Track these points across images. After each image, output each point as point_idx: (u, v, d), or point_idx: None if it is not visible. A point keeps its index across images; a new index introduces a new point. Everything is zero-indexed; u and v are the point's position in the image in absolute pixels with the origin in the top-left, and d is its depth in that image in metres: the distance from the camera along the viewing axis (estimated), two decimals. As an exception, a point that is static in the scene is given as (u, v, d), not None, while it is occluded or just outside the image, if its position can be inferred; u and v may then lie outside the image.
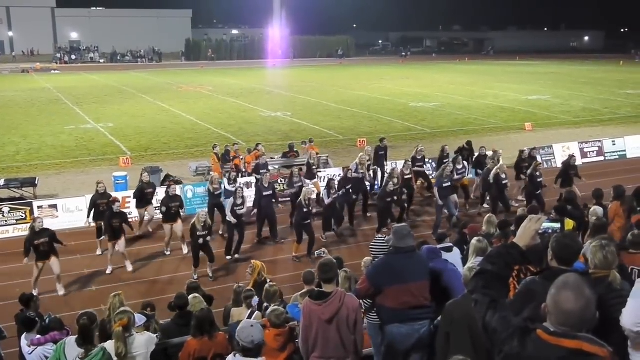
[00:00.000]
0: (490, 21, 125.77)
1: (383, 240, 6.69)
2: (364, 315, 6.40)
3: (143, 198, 14.92)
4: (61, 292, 11.77)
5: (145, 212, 15.08)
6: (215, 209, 14.76)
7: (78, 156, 23.18)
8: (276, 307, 6.50)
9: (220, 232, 14.79)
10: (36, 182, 17.30)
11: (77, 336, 5.89)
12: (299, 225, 13.44)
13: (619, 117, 32.62)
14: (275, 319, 5.95)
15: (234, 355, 5.12)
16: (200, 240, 12.26)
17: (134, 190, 15.29)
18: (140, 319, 6.30)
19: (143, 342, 5.87)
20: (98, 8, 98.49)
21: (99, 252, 13.76)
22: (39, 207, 15.30)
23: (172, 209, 13.83)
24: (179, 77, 58.16)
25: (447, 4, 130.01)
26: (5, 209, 15.04)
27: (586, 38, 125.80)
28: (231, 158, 18.31)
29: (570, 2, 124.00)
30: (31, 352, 6.80)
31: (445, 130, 28.47)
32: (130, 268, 12.86)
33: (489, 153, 17.66)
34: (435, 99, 39.59)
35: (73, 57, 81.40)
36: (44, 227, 11.76)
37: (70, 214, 15.36)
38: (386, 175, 16.67)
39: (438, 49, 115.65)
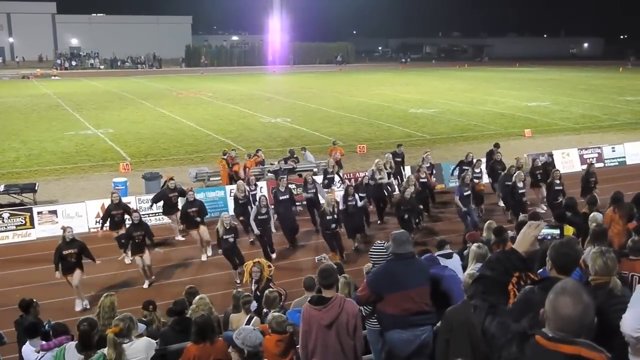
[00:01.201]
0: (489, 28, 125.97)
1: (382, 246, 6.69)
2: (364, 321, 6.40)
3: (169, 205, 14.80)
4: (78, 307, 11.29)
5: (175, 218, 14.94)
6: (242, 217, 14.48)
7: (78, 162, 23.18)
8: (277, 313, 6.50)
9: (251, 240, 14.55)
10: (36, 188, 17.31)
11: (77, 342, 5.89)
12: (326, 236, 13.38)
13: (618, 123, 32.65)
14: (276, 326, 5.94)
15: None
16: (229, 240, 12.22)
17: (156, 196, 15.23)
18: (140, 328, 6.30)
19: (142, 347, 5.86)
20: (98, 14, 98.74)
21: (127, 260, 13.51)
22: (38, 213, 15.30)
23: (190, 213, 13.73)
24: (178, 83, 58.24)
25: (447, 10, 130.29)
26: (5, 215, 15.04)
27: (585, 45, 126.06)
28: (231, 165, 18.30)
29: (569, 8, 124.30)
30: (39, 359, 6.74)
31: (445, 136, 28.50)
32: (146, 285, 12.43)
33: (502, 158, 17.60)
34: (435, 105, 39.64)
35: (73, 63, 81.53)
36: (74, 237, 11.47)
37: (70, 219, 15.33)
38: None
39: (438, 55, 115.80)
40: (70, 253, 11.23)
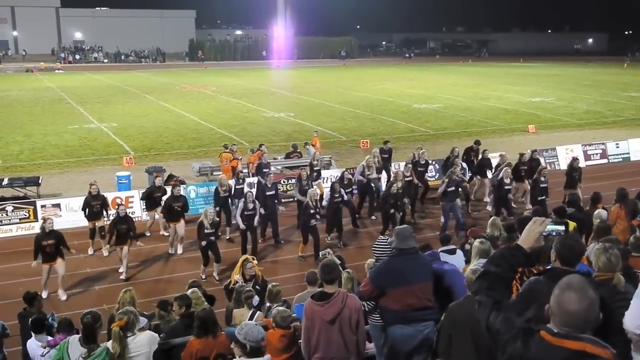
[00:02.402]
0: (493, 23, 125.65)
1: (385, 242, 6.68)
2: (366, 316, 6.39)
3: (152, 200, 14.88)
4: (63, 297, 11.56)
5: (155, 214, 15.05)
6: (222, 210, 14.60)
7: (81, 155, 23.22)
8: (281, 307, 6.49)
9: (228, 237, 14.63)
10: (40, 181, 17.33)
11: (80, 335, 5.89)
12: (306, 227, 13.35)
13: (622, 119, 32.56)
14: (281, 321, 5.93)
15: (239, 357, 5.08)
16: (209, 238, 12.21)
17: (142, 192, 15.36)
18: (142, 321, 6.31)
19: (145, 341, 5.87)
20: (102, 8, 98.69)
21: (90, 251, 13.77)
22: (42, 206, 15.32)
23: (175, 207, 13.81)
24: (182, 77, 58.24)
25: (451, 5, 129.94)
26: (9, 208, 15.07)
27: (590, 40, 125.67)
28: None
29: (574, 4, 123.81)
30: (45, 354, 6.77)
31: (448, 131, 28.46)
32: (123, 276, 12.43)
33: (492, 155, 17.64)
34: (438, 100, 39.57)
35: (77, 56, 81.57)
36: (53, 228, 11.65)
37: (73, 213, 15.36)
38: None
39: (441, 50, 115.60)
40: (49, 244, 11.42)
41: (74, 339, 5.93)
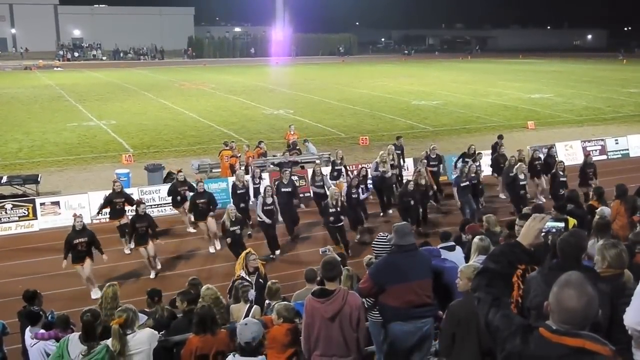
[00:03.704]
0: (493, 19, 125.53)
1: (385, 238, 6.67)
2: (366, 313, 6.39)
3: (180, 197, 14.70)
4: (94, 295, 11.00)
5: (183, 210, 14.89)
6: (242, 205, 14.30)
7: (80, 153, 23.18)
8: (284, 302, 6.50)
9: (249, 233, 14.48)
10: (39, 179, 17.31)
11: (80, 333, 5.89)
12: (329, 228, 13.31)
13: (621, 115, 32.54)
14: (287, 313, 5.92)
15: (233, 356, 5.11)
16: (234, 233, 12.15)
17: (167, 189, 15.22)
18: (142, 318, 6.31)
19: (145, 338, 5.87)
20: (101, 5, 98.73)
21: (127, 250, 13.57)
22: (41, 204, 15.31)
23: (199, 205, 13.68)
24: (181, 74, 58.19)
25: (450, 1, 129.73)
26: (8, 206, 15.05)
27: (589, 36, 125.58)
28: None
29: (573, 0, 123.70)
30: (33, 346, 6.83)
31: (447, 128, 28.44)
32: (152, 275, 12.35)
33: (505, 151, 17.59)
34: (437, 97, 39.55)
35: (76, 54, 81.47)
36: (84, 226, 11.42)
37: (72, 210, 15.28)
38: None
39: (441, 47, 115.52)
40: (81, 242, 11.19)
41: (74, 336, 5.93)
